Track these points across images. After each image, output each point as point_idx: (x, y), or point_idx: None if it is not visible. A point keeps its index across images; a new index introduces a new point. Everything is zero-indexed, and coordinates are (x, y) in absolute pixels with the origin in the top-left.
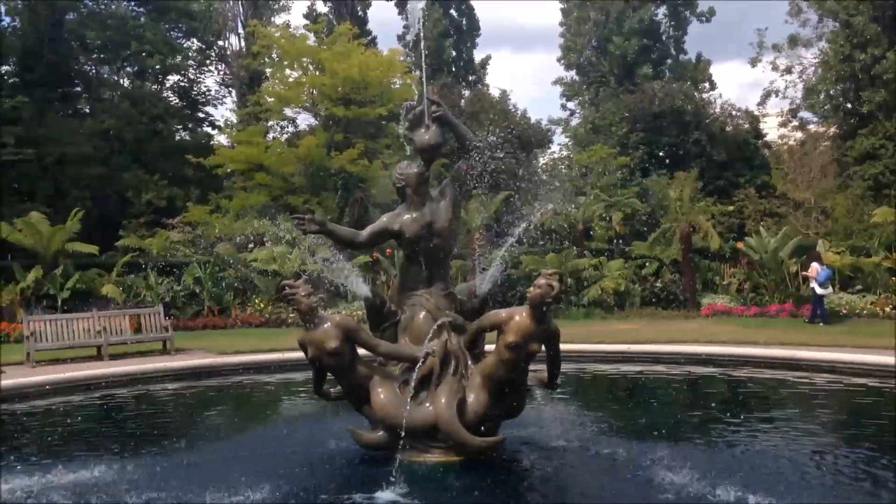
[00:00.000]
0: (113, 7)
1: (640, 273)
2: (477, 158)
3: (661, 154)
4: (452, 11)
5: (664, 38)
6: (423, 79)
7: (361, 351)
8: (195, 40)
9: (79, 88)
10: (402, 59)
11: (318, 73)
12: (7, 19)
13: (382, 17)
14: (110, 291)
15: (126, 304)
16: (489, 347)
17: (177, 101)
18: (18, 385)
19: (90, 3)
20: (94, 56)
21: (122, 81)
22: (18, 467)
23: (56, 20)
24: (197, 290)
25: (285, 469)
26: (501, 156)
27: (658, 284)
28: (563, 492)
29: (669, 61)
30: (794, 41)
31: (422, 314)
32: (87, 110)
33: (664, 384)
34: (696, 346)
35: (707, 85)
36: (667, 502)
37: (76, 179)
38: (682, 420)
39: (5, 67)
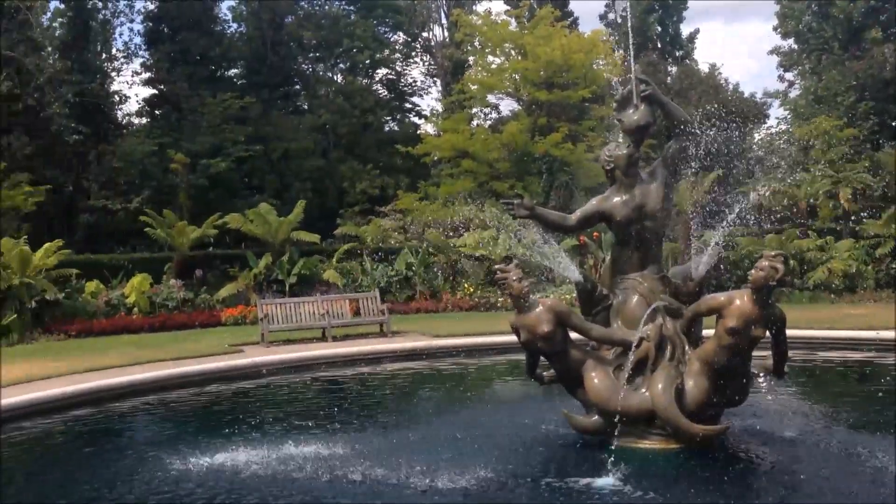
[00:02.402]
0: (326, 7)
1: (874, 254)
2: (687, 137)
3: (894, 124)
4: None
5: None
6: (631, 57)
7: (573, 334)
8: (401, 34)
9: (298, 87)
10: (604, 39)
11: (520, 58)
12: (234, 26)
13: None
14: (331, 277)
15: (345, 289)
16: (706, 333)
17: (385, 93)
18: (255, 363)
19: (306, 6)
20: (311, 55)
21: (335, 78)
22: (256, 439)
23: (277, 24)
24: (409, 275)
25: (500, 451)
26: (712, 133)
27: (895, 266)
28: (791, 487)
29: None
30: None
31: (635, 298)
32: (306, 107)
33: None
34: None
35: None
36: None
37: (298, 172)
38: None
39: (234, 71)
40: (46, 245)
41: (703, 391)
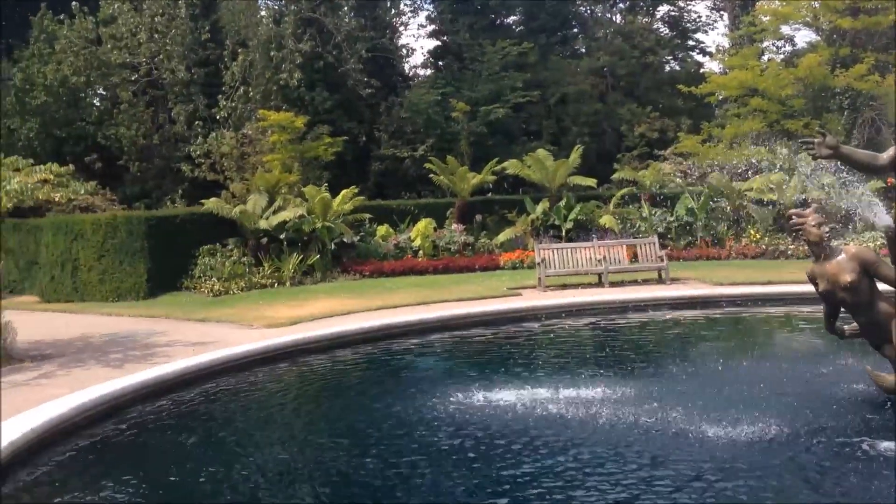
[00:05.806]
0: None
1: None
2: None
3: None
4: None
5: None
6: None
7: (881, 286)
8: None
9: (575, 30)
10: None
11: None
12: None
13: None
14: (608, 222)
15: (622, 235)
16: None
17: (667, 31)
18: (533, 307)
19: None
20: None
21: (614, 18)
22: (533, 379)
23: None
24: (689, 221)
25: (786, 406)
26: None
27: None
28: None
29: None
30: None
31: None
32: (583, 50)
33: None
34: None
35: None
36: None
37: (575, 116)
38: None
39: (513, 18)
40: (344, 192)
41: None
